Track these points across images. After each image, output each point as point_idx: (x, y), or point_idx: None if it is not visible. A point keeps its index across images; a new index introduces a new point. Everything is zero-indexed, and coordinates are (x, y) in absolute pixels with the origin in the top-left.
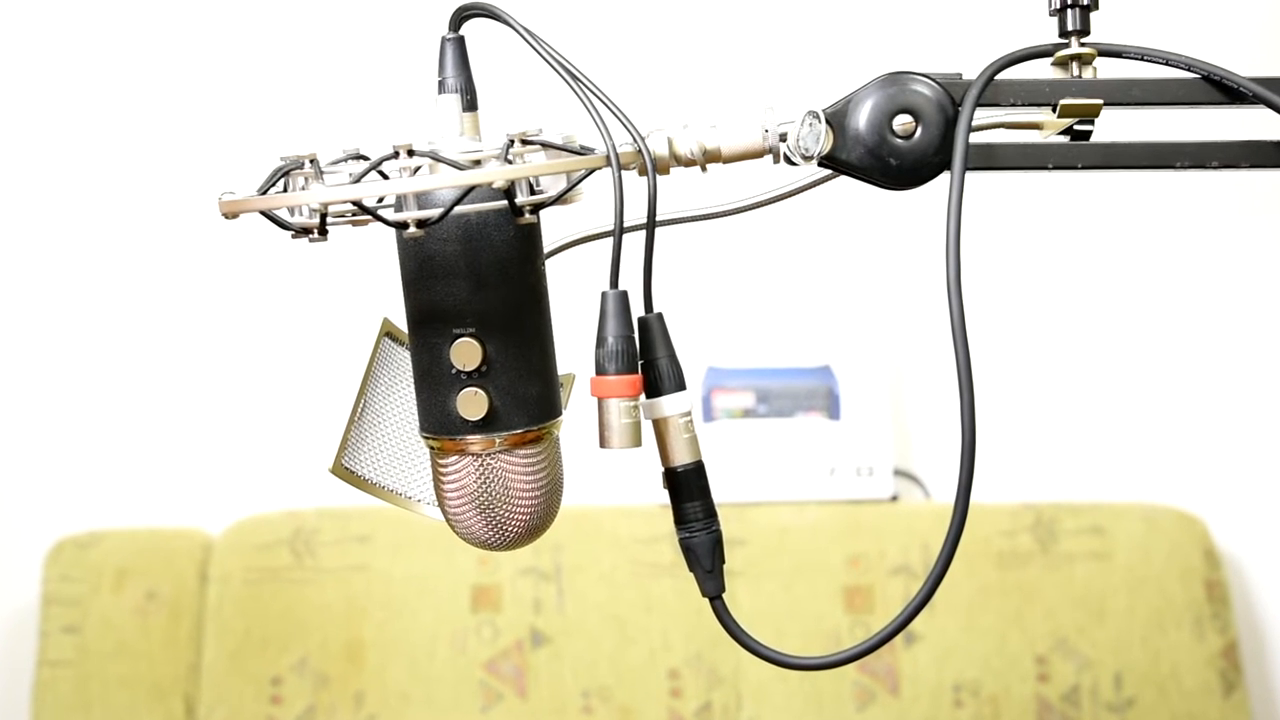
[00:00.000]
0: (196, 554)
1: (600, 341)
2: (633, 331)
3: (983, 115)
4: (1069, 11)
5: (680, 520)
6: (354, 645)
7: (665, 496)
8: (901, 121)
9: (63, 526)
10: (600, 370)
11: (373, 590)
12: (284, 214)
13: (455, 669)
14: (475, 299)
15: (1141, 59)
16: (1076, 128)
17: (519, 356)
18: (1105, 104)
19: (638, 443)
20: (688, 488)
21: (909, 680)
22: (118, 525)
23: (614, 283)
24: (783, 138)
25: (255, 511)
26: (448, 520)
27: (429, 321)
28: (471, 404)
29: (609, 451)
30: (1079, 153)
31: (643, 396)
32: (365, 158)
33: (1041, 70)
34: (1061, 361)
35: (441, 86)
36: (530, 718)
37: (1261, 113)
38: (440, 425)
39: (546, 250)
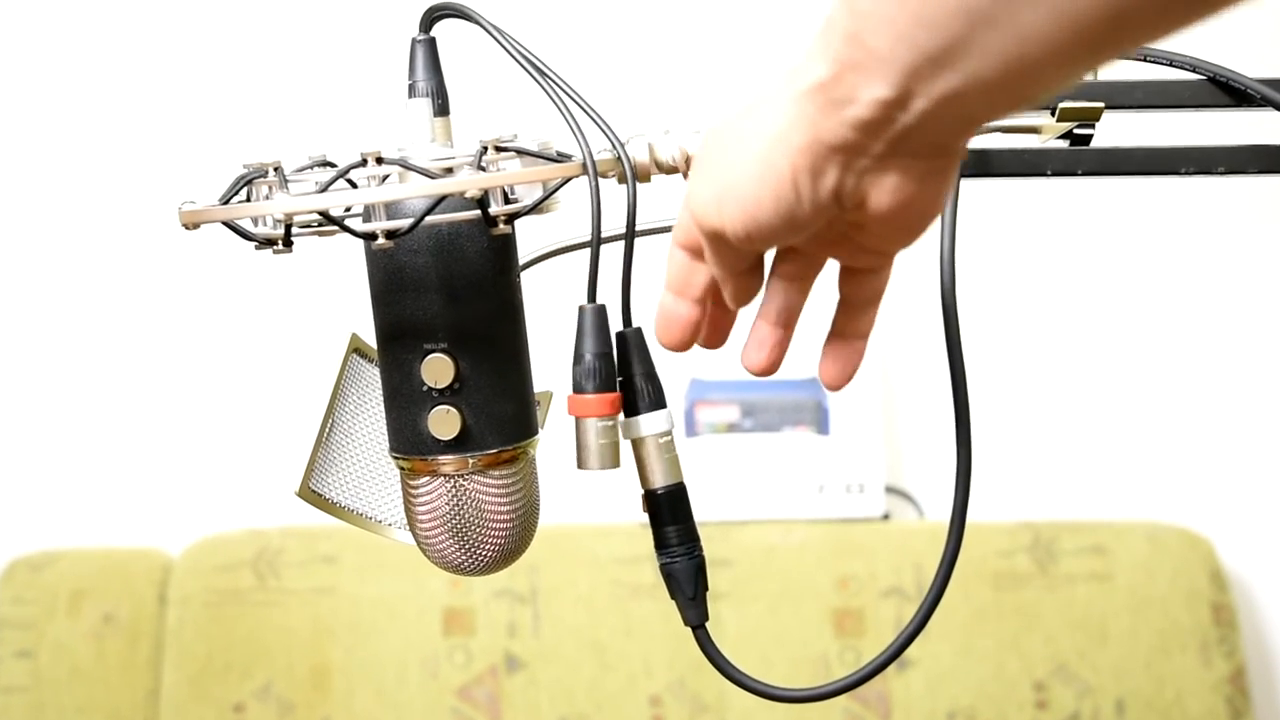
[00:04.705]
0: (155, 575)
1: (577, 358)
2: (611, 348)
3: None
4: None
5: (660, 545)
6: (320, 671)
7: (646, 516)
8: None
9: (15, 546)
10: (578, 388)
11: (340, 613)
12: (247, 224)
13: (426, 695)
14: (447, 313)
15: (1144, 59)
16: (1076, 132)
17: (493, 373)
18: (1106, 107)
19: (616, 463)
20: (668, 511)
21: (901, 707)
22: (73, 545)
23: (591, 296)
24: None
25: (217, 531)
26: (419, 544)
27: (399, 337)
28: (443, 423)
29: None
30: (1079, 158)
31: (621, 415)
32: (332, 165)
33: None
34: (1061, 374)
35: (411, 90)
36: None
37: (1269, 116)
38: (411, 445)
39: (522, 262)
